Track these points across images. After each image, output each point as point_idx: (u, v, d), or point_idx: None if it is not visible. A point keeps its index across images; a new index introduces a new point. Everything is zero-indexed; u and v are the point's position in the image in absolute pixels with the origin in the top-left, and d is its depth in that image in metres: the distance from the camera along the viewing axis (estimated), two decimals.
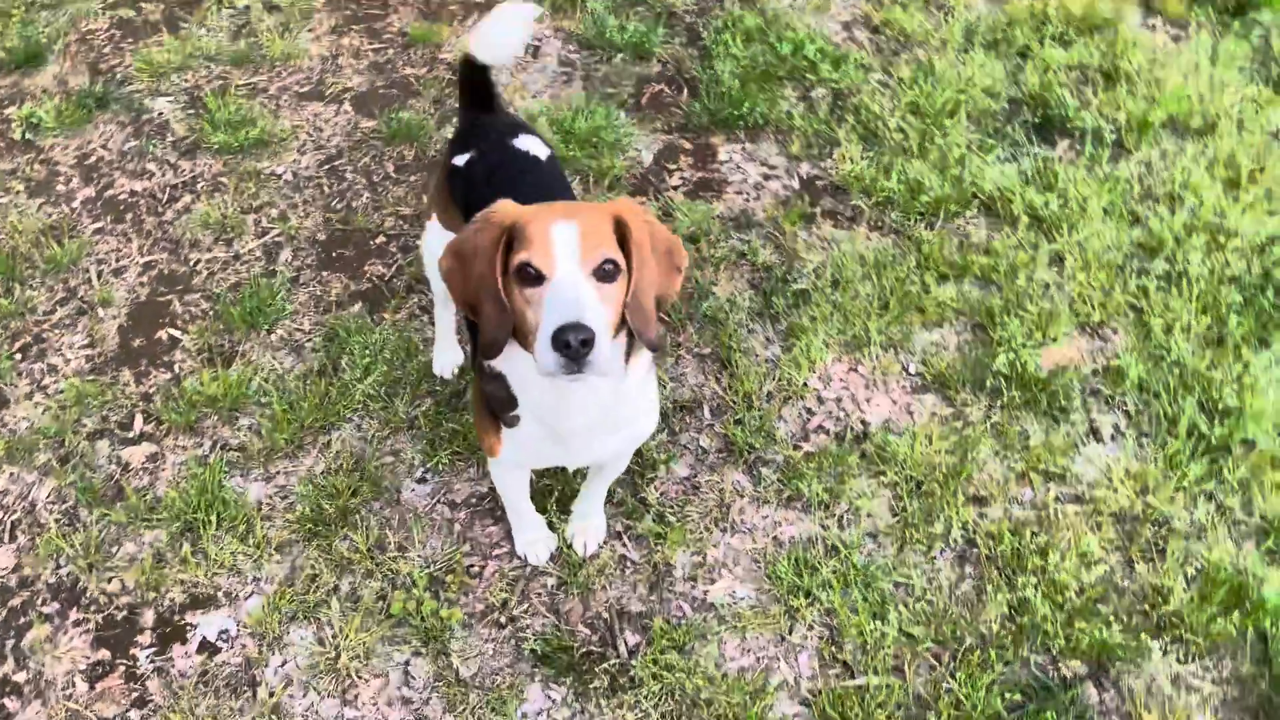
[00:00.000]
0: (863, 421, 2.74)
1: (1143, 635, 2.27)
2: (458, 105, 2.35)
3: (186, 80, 3.88)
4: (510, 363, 1.79)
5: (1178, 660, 2.27)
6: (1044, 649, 2.29)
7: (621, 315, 1.64)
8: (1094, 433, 2.69)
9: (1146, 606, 2.33)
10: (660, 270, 1.71)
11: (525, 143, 2.33)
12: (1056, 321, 2.87)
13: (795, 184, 3.42)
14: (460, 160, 2.32)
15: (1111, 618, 2.30)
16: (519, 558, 2.51)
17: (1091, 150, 3.40)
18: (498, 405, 1.91)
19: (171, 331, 3.06)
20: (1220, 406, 2.67)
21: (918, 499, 2.55)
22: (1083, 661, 2.26)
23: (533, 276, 1.57)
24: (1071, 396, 2.73)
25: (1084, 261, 3.04)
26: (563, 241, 1.56)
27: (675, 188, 3.42)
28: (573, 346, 1.47)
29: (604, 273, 1.59)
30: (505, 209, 1.66)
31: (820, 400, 2.79)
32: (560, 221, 1.58)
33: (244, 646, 2.38)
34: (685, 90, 3.79)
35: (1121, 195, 3.24)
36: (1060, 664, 2.26)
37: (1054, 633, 2.28)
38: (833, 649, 2.31)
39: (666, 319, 2.97)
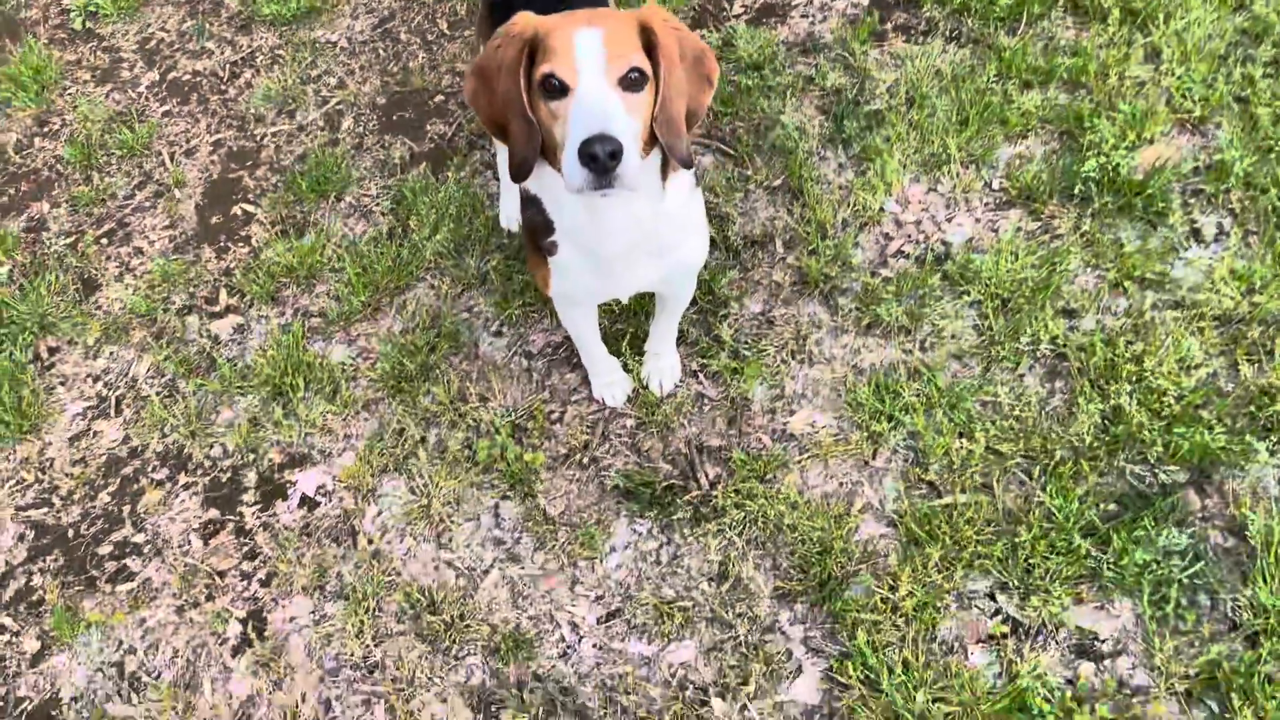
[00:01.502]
0: (944, 242, 2.62)
1: (1248, 437, 2.16)
2: None
3: None
4: (542, 183, 1.75)
5: None
6: (1140, 458, 2.21)
7: (651, 130, 1.57)
8: (1195, 234, 2.52)
9: (1253, 408, 2.22)
10: (690, 80, 1.62)
11: None
12: (1153, 120, 2.67)
13: (864, 0, 3.21)
14: None
15: (1214, 421, 2.20)
16: (597, 401, 2.52)
17: None
18: (537, 231, 1.87)
19: (245, 206, 3.10)
20: None
21: (1003, 316, 2.45)
22: (1182, 467, 2.18)
23: (557, 88, 1.51)
24: (1170, 198, 2.55)
25: (1182, 53, 2.79)
26: (586, 50, 1.49)
27: (737, 16, 3.25)
28: (600, 159, 1.41)
29: (630, 81, 1.52)
30: (526, 20, 1.58)
31: (898, 224, 2.68)
32: (584, 29, 1.50)
33: (341, 500, 2.47)
34: None
35: None
36: (1158, 471, 2.18)
37: (1151, 440, 2.20)
38: (918, 470, 2.28)
39: (725, 145, 2.86)
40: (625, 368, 2.52)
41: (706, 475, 2.33)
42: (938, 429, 2.30)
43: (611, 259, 1.82)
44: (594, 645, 2.18)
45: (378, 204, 3.01)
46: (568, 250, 1.84)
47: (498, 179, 2.93)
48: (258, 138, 3.28)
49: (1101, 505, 2.14)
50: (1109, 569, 2.05)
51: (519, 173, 1.62)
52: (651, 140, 1.61)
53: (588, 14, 1.58)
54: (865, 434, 2.34)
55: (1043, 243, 2.55)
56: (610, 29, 1.51)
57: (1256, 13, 2.86)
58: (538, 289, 2.65)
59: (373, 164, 3.12)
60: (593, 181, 1.45)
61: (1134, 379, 2.28)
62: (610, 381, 2.50)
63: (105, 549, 2.49)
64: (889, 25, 3.11)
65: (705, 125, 2.94)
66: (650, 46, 1.55)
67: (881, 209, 2.69)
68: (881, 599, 2.10)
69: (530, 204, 1.82)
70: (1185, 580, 2.04)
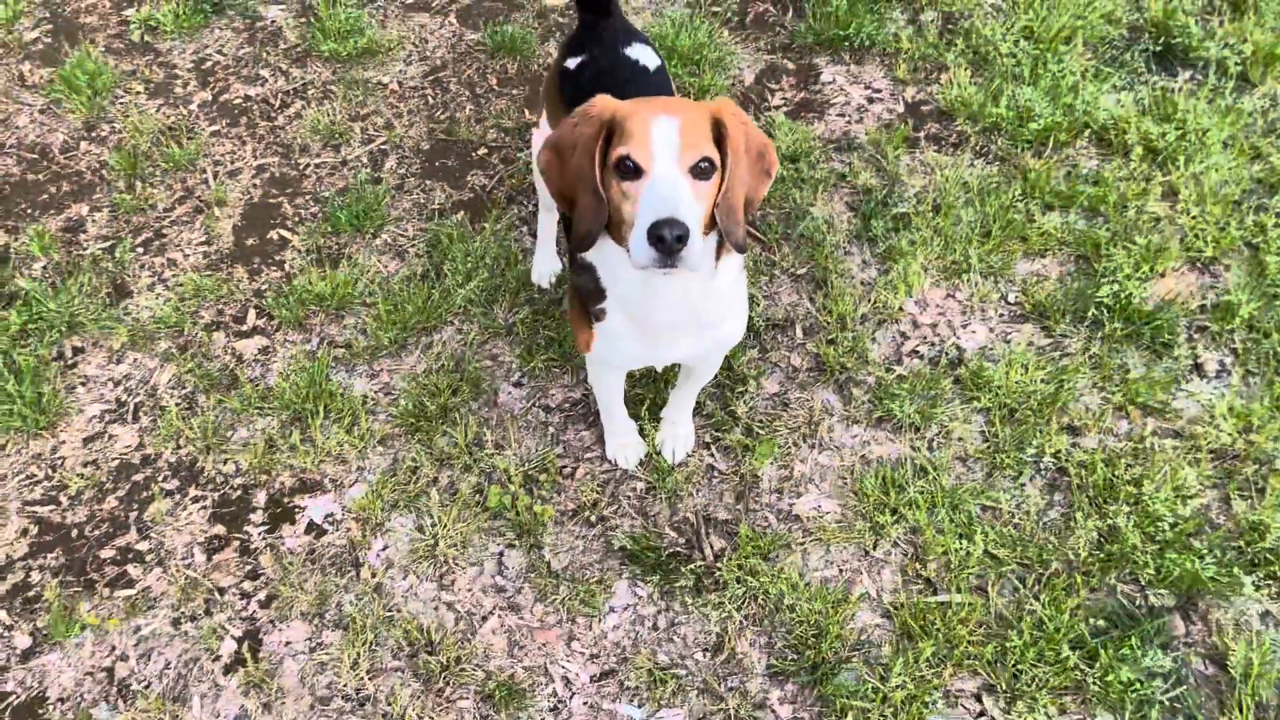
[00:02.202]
0: (958, 347, 2.72)
1: (1236, 569, 2.24)
2: (575, 6, 2.37)
3: None
4: (601, 255, 1.83)
5: (1270, 597, 2.24)
6: (1131, 578, 2.28)
7: (711, 214, 1.67)
8: (1198, 369, 2.63)
9: (1242, 543, 2.31)
10: (752, 172, 1.73)
11: (637, 51, 2.34)
12: (1165, 255, 2.80)
13: (899, 108, 3.36)
14: (572, 63, 2.34)
15: (1205, 551, 2.28)
16: (609, 461, 2.58)
17: (1214, 82, 3.27)
18: (587, 297, 1.95)
19: (282, 232, 3.17)
20: None
21: (1010, 426, 2.54)
22: (1171, 592, 2.25)
23: (631, 170, 1.60)
24: (1176, 331, 2.67)
25: (1199, 195, 2.94)
26: (662, 138, 1.59)
27: (776, 107, 3.39)
28: (667, 241, 1.50)
29: (700, 170, 1.61)
30: (605, 103, 1.68)
31: (915, 325, 2.78)
32: (661, 117, 1.60)
33: (348, 530, 2.50)
34: (790, 10, 3.73)
35: (1243, 129, 3.11)
36: (1148, 593, 2.26)
37: (1143, 562, 2.27)
38: (916, 566, 2.34)
39: (755, 231, 2.97)
40: (641, 432, 2.59)
41: (711, 547, 2.39)
42: (939, 527, 2.37)
43: (657, 330, 1.90)
44: (585, 703, 2.21)
45: (413, 245, 3.09)
46: (616, 318, 1.92)
47: (534, 236, 3.02)
48: (301, 167, 3.37)
49: (1091, 620, 2.21)
50: (1094, 683, 2.11)
51: (583, 244, 1.71)
52: (710, 223, 1.70)
53: (664, 102, 1.68)
54: (868, 524, 2.41)
55: (1052, 359, 2.66)
56: (686, 119, 1.61)
57: (1273, 163, 3.01)
58: (573, 347, 2.73)
59: (412, 206, 3.21)
60: (659, 261, 1.53)
61: (1132, 501, 2.36)
62: (625, 444, 2.56)
63: (108, 553, 2.51)
64: (922, 134, 3.25)
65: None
66: (719, 137, 1.65)
67: (901, 308, 2.80)
68: (872, 688, 2.15)
69: (584, 270, 1.91)
70: (1166, 702, 2.10)
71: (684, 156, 1.60)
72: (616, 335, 1.96)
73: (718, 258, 1.82)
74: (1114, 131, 3.12)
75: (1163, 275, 2.79)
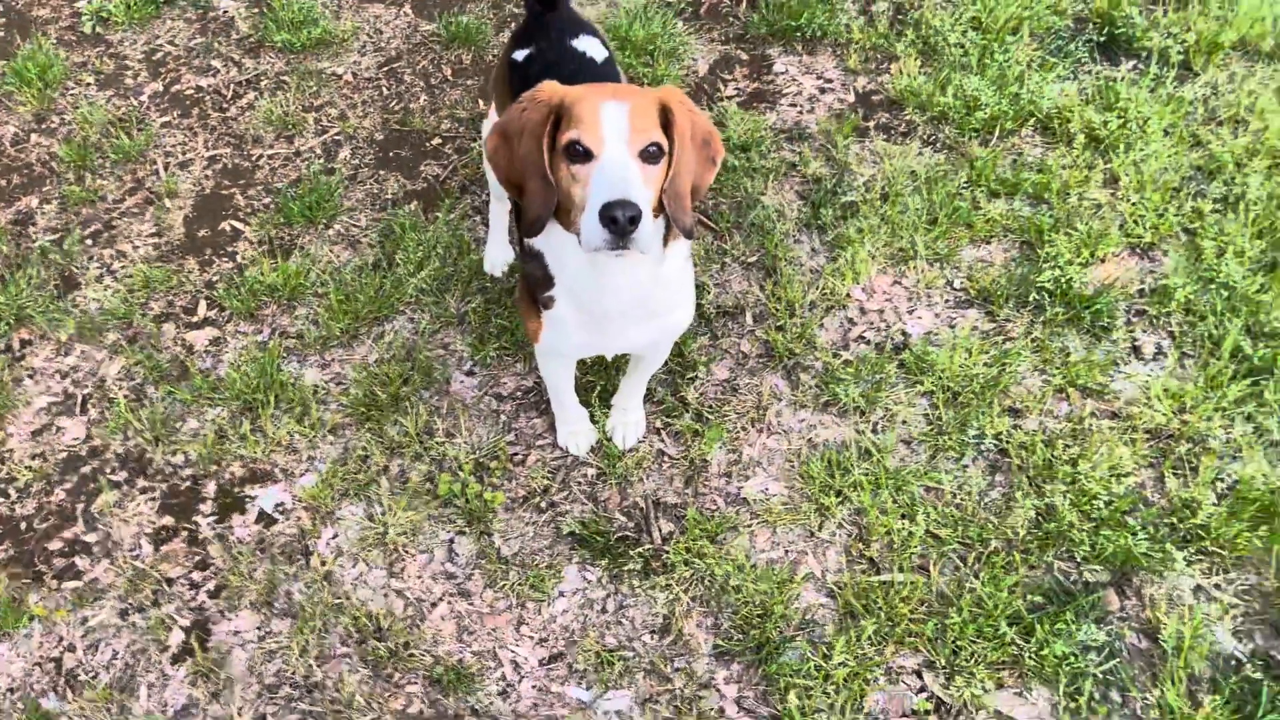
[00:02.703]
0: (903, 333, 2.77)
1: (1168, 546, 2.30)
2: None
3: None
4: (549, 241, 1.85)
5: (1201, 572, 2.30)
6: (1068, 555, 2.33)
7: (659, 200, 1.69)
8: (1135, 351, 2.69)
9: (1174, 520, 2.36)
10: (698, 160, 1.75)
11: (584, 43, 2.36)
12: (1106, 240, 2.86)
13: (850, 98, 3.40)
14: (520, 55, 2.35)
15: (1138, 528, 2.33)
16: (560, 448, 2.60)
17: (1156, 71, 3.33)
18: (536, 285, 1.97)
19: (234, 223, 3.16)
20: (1268, 329, 2.65)
21: (953, 409, 2.58)
22: (1106, 568, 2.31)
23: (581, 154, 1.62)
24: (1115, 315, 2.72)
25: (1139, 182, 3.00)
26: (612, 121, 1.61)
27: (729, 98, 3.42)
28: (620, 222, 1.52)
29: (649, 155, 1.64)
30: (553, 88, 1.70)
31: (862, 311, 2.82)
32: (610, 102, 1.62)
33: (299, 519, 2.51)
34: (744, 1, 3.76)
35: (1184, 117, 3.18)
36: (1083, 570, 2.31)
37: (1079, 540, 2.32)
38: (860, 546, 2.38)
39: (705, 219, 3.00)
40: (592, 419, 2.61)
41: (660, 530, 2.42)
42: (882, 508, 2.41)
43: (606, 317, 1.92)
44: (534, 686, 2.23)
45: (366, 235, 3.09)
46: (564, 306, 1.94)
47: (486, 225, 3.03)
48: (254, 158, 3.36)
49: (1029, 596, 2.26)
50: (1030, 658, 2.16)
51: (531, 229, 1.72)
52: (658, 210, 1.72)
53: (612, 88, 1.70)
54: (814, 506, 2.44)
55: (995, 343, 2.70)
56: (634, 104, 1.63)
57: (1212, 151, 3.08)
58: (524, 337, 2.74)
59: (365, 196, 3.21)
60: (610, 242, 1.55)
61: (1069, 480, 2.41)
62: (576, 431, 2.58)
63: (55, 545, 2.50)
64: (871, 123, 3.29)
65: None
66: (667, 124, 1.67)
67: (848, 295, 2.83)
68: (815, 666, 2.19)
69: (533, 259, 1.92)
70: (1100, 675, 2.15)
71: (633, 140, 1.62)
72: (565, 324, 1.98)
73: (665, 244, 1.84)
74: (1058, 120, 3.18)
75: (1103, 260, 2.84)
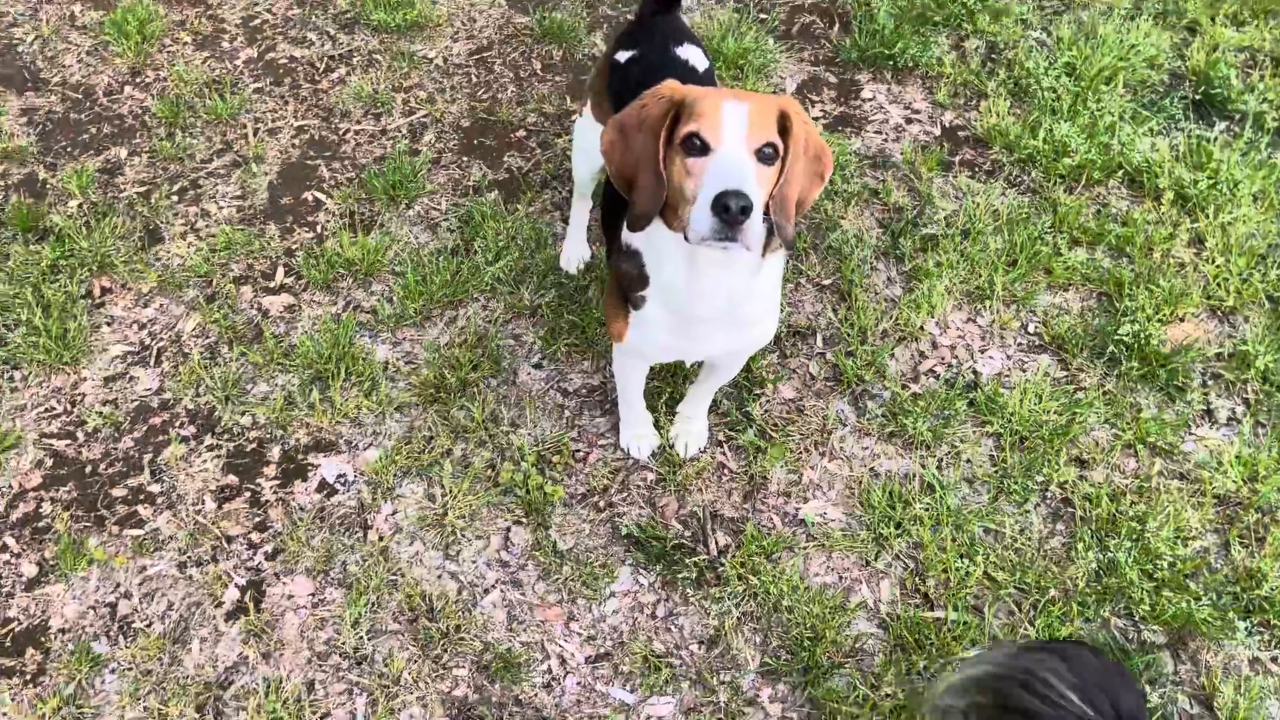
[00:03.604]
0: (974, 371, 2.75)
1: (1230, 614, 2.27)
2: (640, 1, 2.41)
3: None
4: (650, 239, 1.86)
5: (1261, 645, 2.27)
6: (1127, 613, 2.31)
7: (766, 204, 1.70)
8: (1209, 414, 2.66)
9: (1238, 589, 2.33)
10: (808, 172, 1.76)
11: (688, 52, 2.38)
12: (1186, 300, 2.83)
13: (937, 130, 3.39)
14: (622, 57, 2.37)
15: (1201, 593, 2.31)
16: (622, 449, 2.61)
17: (1250, 134, 3.30)
18: (629, 284, 1.98)
19: (317, 194, 3.20)
20: None
21: (1019, 453, 2.57)
22: (1164, 630, 2.28)
23: (698, 147, 1.64)
24: (1190, 376, 2.70)
25: (1225, 245, 2.97)
26: (732, 118, 1.63)
27: (815, 119, 3.42)
28: (732, 211, 1.54)
29: (764, 155, 1.65)
30: (675, 86, 1.72)
31: (934, 345, 2.81)
32: (731, 101, 1.64)
33: (359, 492, 2.53)
34: (837, 24, 3.76)
35: (1275, 183, 3.15)
36: (1141, 628, 2.29)
37: (1139, 598, 2.30)
38: (915, 580, 2.37)
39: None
40: (656, 424, 2.61)
41: (716, 542, 2.42)
42: (941, 545, 2.40)
43: (696, 321, 1.93)
44: (578, 683, 2.24)
45: (446, 219, 3.12)
46: (655, 306, 1.95)
47: (565, 221, 3.05)
48: (341, 132, 3.40)
49: None
50: None
51: (638, 224, 1.74)
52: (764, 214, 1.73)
53: (735, 91, 1.72)
54: (872, 535, 2.44)
55: (1067, 391, 2.69)
56: (754, 106, 1.65)
57: None
58: (604, 335, 2.76)
59: (447, 181, 3.24)
60: (719, 231, 1.57)
61: (1134, 537, 2.39)
62: (639, 434, 2.59)
63: (119, 491, 2.54)
64: (957, 159, 3.28)
65: None
66: (783, 131, 1.68)
67: (921, 327, 2.83)
68: (862, 696, 2.18)
69: (629, 257, 1.93)
70: None
71: (751, 138, 1.64)
72: (653, 326, 1.99)
73: (764, 254, 1.85)
74: (1147, 175, 3.16)
75: (1182, 320, 2.82)
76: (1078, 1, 3.84)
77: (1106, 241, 3.00)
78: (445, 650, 2.27)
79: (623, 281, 2.00)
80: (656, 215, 1.75)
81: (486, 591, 2.37)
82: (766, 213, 1.72)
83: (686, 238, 1.67)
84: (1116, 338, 2.74)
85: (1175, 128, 3.37)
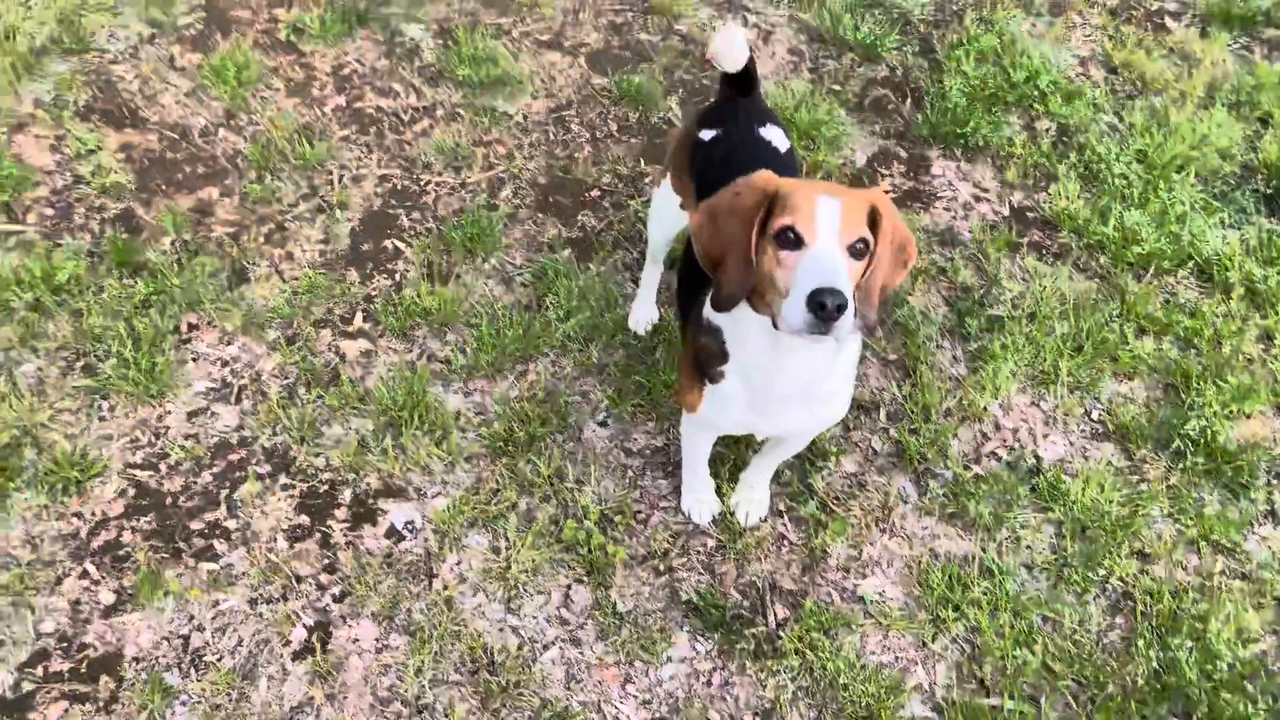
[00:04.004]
0: (1036, 456, 2.77)
1: None
2: (721, 83, 2.48)
3: (440, 12, 4.12)
4: (733, 318, 1.92)
5: None
6: (1184, 712, 2.31)
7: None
8: (1273, 515, 2.66)
9: None
10: (892, 262, 1.81)
11: (770, 133, 2.44)
12: (1254, 397, 2.83)
13: (1005, 211, 3.43)
14: (706, 135, 2.45)
15: (1258, 696, 2.30)
16: (683, 514, 2.65)
17: None
18: (707, 360, 2.03)
19: (397, 242, 3.31)
20: None
21: (1081, 542, 2.58)
22: None
23: (792, 241, 1.69)
24: (1256, 474, 2.70)
25: None
26: (826, 214, 1.68)
27: (885, 193, 3.48)
28: (828, 308, 1.59)
29: (855, 250, 1.71)
30: (769, 177, 1.78)
31: (997, 427, 2.84)
32: (826, 197, 1.70)
33: (426, 540, 2.60)
34: (909, 99, 3.83)
35: None
36: None
37: (1197, 698, 2.29)
38: (972, 665, 2.38)
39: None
40: (718, 490, 2.66)
41: (775, 614, 2.45)
42: (999, 631, 2.41)
43: (773, 399, 1.98)
44: None
45: (520, 274, 3.21)
46: (733, 382, 2.00)
47: (635, 283, 3.12)
48: (422, 183, 3.51)
49: None
50: None
51: (724, 305, 1.80)
52: None
53: (826, 185, 1.78)
54: (930, 616, 2.45)
55: (1130, 482, 2.69)
56: (847, 202, 1.71)
57: None
58: (660, 397, 2.81)
59: (522, 236, 3.33)
60: (813, 326, 1.62)
61: (1195, 637, 2.39)
62: (701, 499, 2.64)
63: (197, 525, 2.63)
64: (1025, 240, 3.32)
65: None
66: (873, 224, 1.74)
67: (985, 409, 2.85)
68: None
69: (709, 332, 1.99)
70: None
71: (844, 234, 1.69)
72: (728, 400, 2.04)
73: None
74: (1217, 267, 3.17)
75: (1249, 417, 2.82)
76: (1151, 87, 3.88)
77: (1174, 332, 3.01)
78: (504, 705, 2.31)
79: (700, 355, 2.06)
80: (743, 298, 1.81)
81: (546, 648, 2.42)
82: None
83: (776, 325, 1.72)
84: (1182, 432, 2.75)
85: (1247, 221, 3.38)
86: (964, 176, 3.56)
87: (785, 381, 1.94)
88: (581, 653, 2.41)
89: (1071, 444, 2.81)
